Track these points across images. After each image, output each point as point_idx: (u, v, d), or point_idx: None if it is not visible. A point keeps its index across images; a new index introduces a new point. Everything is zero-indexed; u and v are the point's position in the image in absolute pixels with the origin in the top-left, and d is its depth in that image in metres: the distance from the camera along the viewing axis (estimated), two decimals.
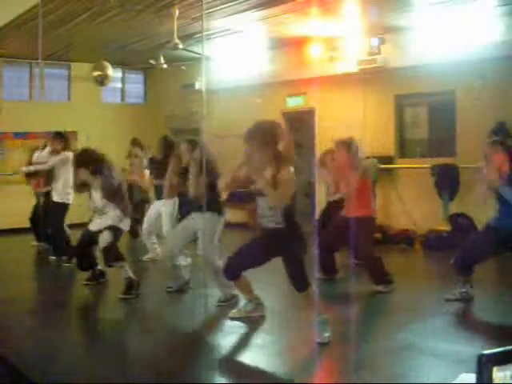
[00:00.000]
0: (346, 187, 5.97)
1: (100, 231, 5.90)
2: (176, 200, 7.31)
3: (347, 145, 5.90)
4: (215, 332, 4.84)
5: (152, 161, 7.85)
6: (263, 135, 4.27)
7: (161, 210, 7.39)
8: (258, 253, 4.50)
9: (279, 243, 4.33)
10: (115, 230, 5.91)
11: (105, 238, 5.82)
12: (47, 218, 7.71)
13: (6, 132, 11.00)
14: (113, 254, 5.87)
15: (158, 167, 7.37)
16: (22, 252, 8.86)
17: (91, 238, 6.01)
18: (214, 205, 5.46)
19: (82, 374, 3.81)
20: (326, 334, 4.25)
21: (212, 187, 5.30)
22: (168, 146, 7.23)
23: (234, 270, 4.66)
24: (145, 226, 7.61)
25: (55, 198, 7.49)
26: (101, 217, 5.98)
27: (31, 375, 3.69)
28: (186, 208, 6.40)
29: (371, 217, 6.04)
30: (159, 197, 7.41)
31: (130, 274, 5.86)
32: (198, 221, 5.59)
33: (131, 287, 5.80)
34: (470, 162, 7.01)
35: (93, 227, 6.03)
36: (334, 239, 5.99)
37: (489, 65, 7.67)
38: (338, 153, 6.02)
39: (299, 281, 4.39)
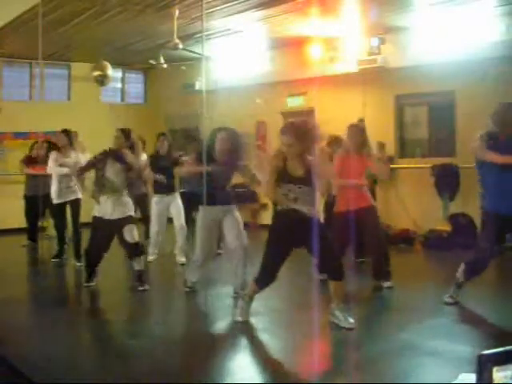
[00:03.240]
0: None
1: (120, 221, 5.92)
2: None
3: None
4: (216, 331, 4.84)
5: (153, 156, 7.76)
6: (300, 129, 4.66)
7: (170, 204, 7.48)
8: (282, 242, 4.60)
9: (309, 225, 4.46)
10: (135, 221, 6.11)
11: (133, 232, 5.92)
12: (73, 217, 7.64)
13: (5, 132, 11.00)
14: (140, 247, 6.06)
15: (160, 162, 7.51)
16: (22, 252, 8.86)
17: (112, 231, 5.98)
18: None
19: (83, 374, 3.81)
20: (351, 320, 4.56)
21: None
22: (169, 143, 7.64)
23: (266, 280, 4.72)
24: (157, 228, 7.57)
25: (78, 195, 7.52)
26: (114, 199, 5.93)
27: (31, 375, 3.69)
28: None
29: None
30: (163, 192, 7.46)
31: (142, 266, 6.07)
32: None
33: (142, 278, 6.00)
34: (470, 162, 7.00)
35: (112, 216, 5.93)
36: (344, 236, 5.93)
37: (489, 65, 7.67)
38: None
39: (336, 267, 4.57)
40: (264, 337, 4.65)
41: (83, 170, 6.46)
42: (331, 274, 4.62)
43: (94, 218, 6.05)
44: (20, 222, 9.12)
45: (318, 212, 4.79)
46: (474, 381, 1.44)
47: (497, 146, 4.96)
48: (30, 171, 8.51)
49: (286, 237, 4.60)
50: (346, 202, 5.93)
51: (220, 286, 6.16)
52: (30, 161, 8.62)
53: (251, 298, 4.85)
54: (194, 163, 5.80)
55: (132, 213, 6.08)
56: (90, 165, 6.26)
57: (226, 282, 6.10)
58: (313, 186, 4.57)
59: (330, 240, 4.63)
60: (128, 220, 5.95)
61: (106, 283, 6.39)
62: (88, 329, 5.16)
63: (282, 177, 4.58)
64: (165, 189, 7.47)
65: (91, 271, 6.21)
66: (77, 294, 6.50)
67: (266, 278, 4.69)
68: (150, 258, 7.53)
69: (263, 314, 5.07)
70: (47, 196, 7.74)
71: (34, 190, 8.41)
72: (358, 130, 6.10)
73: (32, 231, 8.92)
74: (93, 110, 11.54)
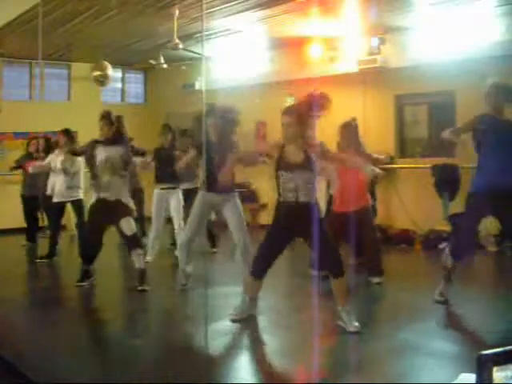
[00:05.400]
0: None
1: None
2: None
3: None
4: (215, 331, 4.84)
5: (158, 150, 7.64)
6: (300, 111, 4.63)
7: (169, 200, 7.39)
8: (281, 233, 4.59)
9: (309, 218, 4.41)
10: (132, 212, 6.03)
11: (131, 224, 5.85)
12: (78, 216, 7.62)
13: (5, 132, 11.00)
14: (138, 239, 5.99)
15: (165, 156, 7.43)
16: (22, 251, 8.86)
17: (108, 216, 5.87)
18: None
19: (82, 374, 3.80)
20: (355, 324, 4.47)
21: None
22: (173, 135, 7.63)
23: (261, 268, 4.70)
24: (158, 225, 7.49)
25: (81, 195, 7.50)
26: (113, 180, 5.84)
27: (31, 375, 3.69)
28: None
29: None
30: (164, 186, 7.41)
31: (143, 265, 5.94)
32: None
33: (143, 278, 5.90)
34: (470, 162, 7.01)
35: (109, 196, 5.85)
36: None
37: (489, 64, 7.66)
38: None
39: (335, 262, 4.51)
40: (264, 337, 4.65)
41: (77, 151, 6.44)
42: (331, 270, 4.56)
43: (91, 205, 6.05)
44: (20, 221, 9.13)
45: (319, 204, 4.73)
46: (473, 381, 1.44)
47: (494, 129, 4.95)
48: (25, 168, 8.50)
49: (285, 229, 4.58)
50: (344, 202, 5.93)
51: (220, 285, 6.15)
52: (27, 159, 8.62)
53: (252, 298, 4.84)
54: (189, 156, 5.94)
55: (130, 203, 5.98)
56: (81, 149, 6.31)
57: (225, 281, 6.10)
58: (314, 173, 4.53)
59: (329, 235, 4.60)
60: (125, 208, 5.88)
61: (106, 283, 6.40)
62: (88, 329, 5.16)
63: (281, 165, 4.55)
64: (168, 180, 7.40)
65: (85, 270, 6.14)
66: (77, 294, 6.49)
67: (259, 267, 4.69)
68: (148, 258, 7.55)
69: (263, 314, 5.07)
70: (47, 195, 7.75)
71: (32, 189, 8.42)
72: (352, 129, 6.12)
73: (30, 232, 8.92)
74: (93, 109, 11.46)
